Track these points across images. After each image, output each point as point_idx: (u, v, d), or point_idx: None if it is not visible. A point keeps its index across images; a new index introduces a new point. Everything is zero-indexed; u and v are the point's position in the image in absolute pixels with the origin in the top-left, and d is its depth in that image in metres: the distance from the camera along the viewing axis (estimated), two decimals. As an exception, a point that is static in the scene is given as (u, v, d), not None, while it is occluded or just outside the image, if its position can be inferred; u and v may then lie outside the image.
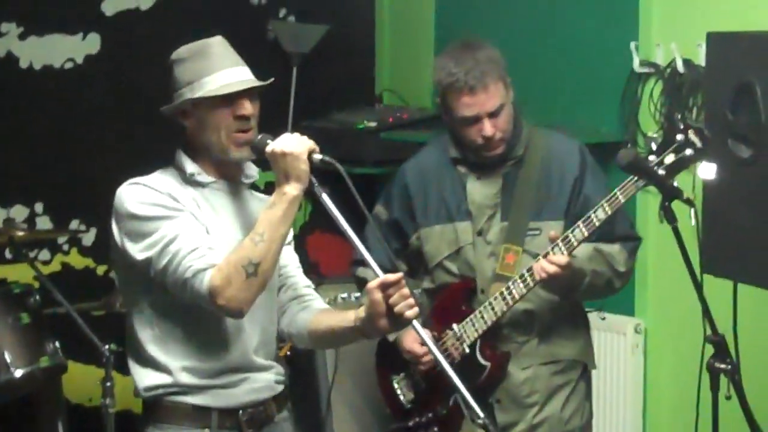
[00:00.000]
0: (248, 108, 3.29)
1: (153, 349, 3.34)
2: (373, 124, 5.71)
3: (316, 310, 3.43)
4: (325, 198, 3.12)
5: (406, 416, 3.92)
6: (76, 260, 5.69)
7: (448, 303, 3.88)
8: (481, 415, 2.83)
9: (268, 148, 3.18)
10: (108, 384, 4.51)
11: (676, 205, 3.22)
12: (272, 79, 3.36)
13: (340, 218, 3.09)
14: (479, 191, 3.81)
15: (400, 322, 3.09)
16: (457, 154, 3.83)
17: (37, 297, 4.69)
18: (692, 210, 3.25)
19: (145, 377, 3.36)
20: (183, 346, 3.34)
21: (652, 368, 4.68)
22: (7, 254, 5.30)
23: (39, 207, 5.49)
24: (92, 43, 5.68)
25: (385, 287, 3.06)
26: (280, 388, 3.44)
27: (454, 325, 3.82)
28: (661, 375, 4.64)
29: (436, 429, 3.88)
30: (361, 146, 5.67)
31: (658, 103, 4.56)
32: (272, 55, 5.82)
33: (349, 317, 3.24)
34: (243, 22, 5.77)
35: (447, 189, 3.86)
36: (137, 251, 3.24)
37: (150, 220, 3.26)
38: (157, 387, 3.33)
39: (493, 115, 3.68)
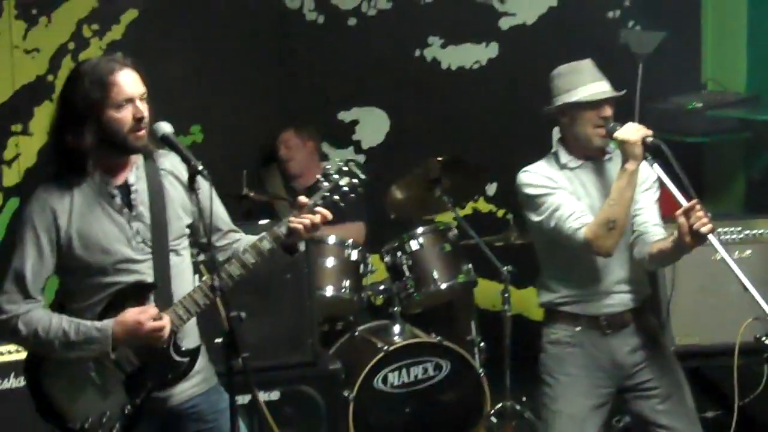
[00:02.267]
0: (608, 111, 3.82)
1: (548, 277, 3.99)
2: (700, 104, 6.12)
3: (652, 240, 3.83)
4: (657, 168, 3.72)
5: None
6: (483, 206, 6.42)
7: None
8: None
9: (615, 135, 3.73)
10: (506, 295, 5.24)
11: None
12: (624, 91, 3.88)
13: (667, 181, 3.63)
14: None
15: (698, 237, 3.47)
16: None
17: (456, 232, 5.41)
18: None
19: (542, 295, 4.05)
20: (565, 276, 3.94)
21: None
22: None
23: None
24: (492, 50, 6.46)
25: (686, 213, 3.48)
26: (634, 304, 3.94)
27: None
28: None
29: None
30: (691, 122, 6.07)
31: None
32: (622, 56, 6.15)
33: (670, 240, 3.66)
34: (600, 32, 6.24)
35: None
36: (534, 217, 3.89)
37: (539, 196, 3.86)
38: (549, 301, 4.00)
39: None
